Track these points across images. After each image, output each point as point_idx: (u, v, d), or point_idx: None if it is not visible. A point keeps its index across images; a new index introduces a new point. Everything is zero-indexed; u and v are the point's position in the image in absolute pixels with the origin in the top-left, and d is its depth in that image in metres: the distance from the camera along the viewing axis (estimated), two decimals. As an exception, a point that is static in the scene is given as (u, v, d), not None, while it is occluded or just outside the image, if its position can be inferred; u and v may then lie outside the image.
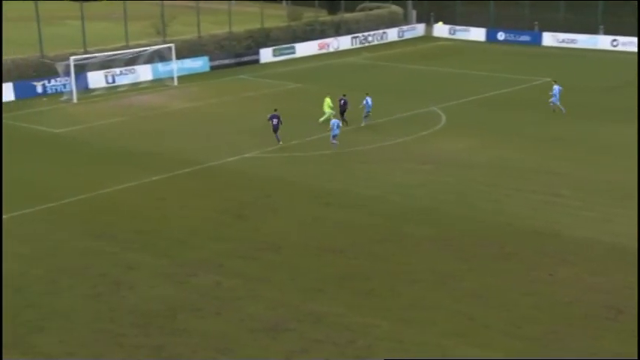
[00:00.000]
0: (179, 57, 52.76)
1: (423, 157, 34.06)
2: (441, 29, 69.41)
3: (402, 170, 32.24)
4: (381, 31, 67.53)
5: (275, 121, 35.27)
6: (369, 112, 39.21)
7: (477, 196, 28.79)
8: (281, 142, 35.34)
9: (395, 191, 29.58)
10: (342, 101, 39.31)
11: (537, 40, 65.23)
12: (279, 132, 35.37)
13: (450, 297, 20.99)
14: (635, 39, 60.83)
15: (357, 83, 47.81)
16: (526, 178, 30.98)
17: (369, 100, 39.39)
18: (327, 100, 39.51)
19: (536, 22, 66.49)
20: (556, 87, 41.38)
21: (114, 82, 49.33)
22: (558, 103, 41.17)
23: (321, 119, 38.95)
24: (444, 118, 41.16)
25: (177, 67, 51.52)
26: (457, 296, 21.04)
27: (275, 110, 35.78)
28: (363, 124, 39.02)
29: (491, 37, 67.30)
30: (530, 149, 35.07)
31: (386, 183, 30.60)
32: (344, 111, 38.98)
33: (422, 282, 21.92)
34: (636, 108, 41.57)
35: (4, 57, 46.89)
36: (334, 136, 34.78)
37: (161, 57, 51.69)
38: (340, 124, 35.43)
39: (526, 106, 42.88)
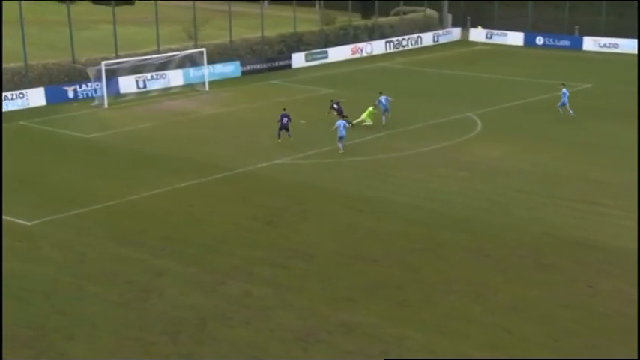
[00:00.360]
0: (210, 61, 53.01)
1: (458, 163, 33.82)
2: (477, 34, 68.97)
3: (437, 177, 32.01)
4: (415, 36, 67.29)
5: (285, 119, 36.47)
6: (385, 110, 39.97)
7: (514, 205, 28.45)
8: (292, 138, 36.59)
9: (430, 198, 29.39)
10: (336, 105, 39.15)
11: (577, 44, 64.45)
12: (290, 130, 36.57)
13: (486, 309, 20.72)
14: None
15: (391, 88, 47.52)
16: (564, 185, 30.55)
17: (382, 99, 40.07)
18: (370, 109, 39.64)
19: (576, 27, 65.71)
20: (565, 90, 41.50)
21: (145, 86, 49.73)
22: (567, 106, 41.14)
23: (355, 121, 39.10)
24: (479, 124, 40.83)
25: (208, 71, 51.78)
26: (493, 308, 20.76)
27: (284, 109, 37.22)
28: (384, 123, 39.71)
29: (529, 41, 66.68)
30: (568, 156, 34.61)
31: (421, 190, 30.42)
32: (341, 112, 38.68)
33: (457, 292, 21.68)
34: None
35: (36, 61, 47.53)
36: (340, 139, 34.95)
37: (192, 61, 52.01)
38: (347, 125, 35.58)
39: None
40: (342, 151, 35.03)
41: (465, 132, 39.21)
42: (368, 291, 21.78)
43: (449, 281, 22.36)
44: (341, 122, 35.31)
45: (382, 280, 22.50)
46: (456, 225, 26.76)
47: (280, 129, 36.67)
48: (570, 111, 41.20)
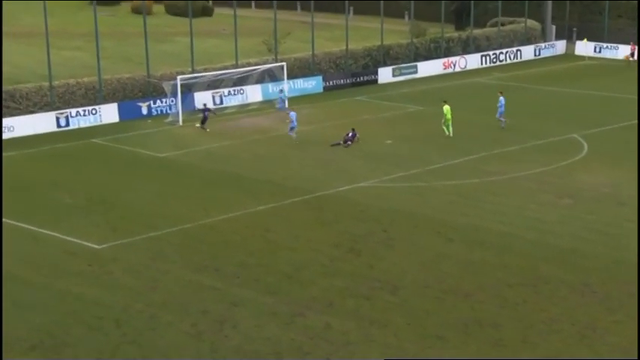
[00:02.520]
0: (291, 76, 53.58)
1: (561, 189, 33.20)
2: (584, 47, 67.69)
3: (537, 204, 31.50)
4: (514, 49, 66.53)
5: (350, 134, 40.11)
6: (502, 112, 42.05)
7: (625, 236, 27.72)
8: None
9: (529, 228, 28.93)
10: (351, 134, 40.82)
11: (699, 58, 62.52)
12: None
13: (593, 352, 20.24)
14: None
15: (487, 106, 47.08)
16: (684, 216, 29.59)
17: (502, 100, 42.71)
18: (447, 108, 41.54)
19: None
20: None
21: (222, 102, 50.61)
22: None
23: (447, 130, 41.48)
24: (585, 146, 40.02)
25: (288, 87, 52.33)
26: (601, 351, 20.25)
27: (353, 130, 40.53)
28: (503, 126, 42.56)
29: (643, 55, 64.92)
30: (688, 183, 33.53)
31: (518, 218, 29.97)
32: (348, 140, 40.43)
33: (559, 333, 21.22)
34: None
35: (110, 75, 49.00)
36: (292, 129, 40.16)
37: (272, 76, 52.66)
38: (296, 117, 40.89)
39: (684, 134, 41.11)
40: (295, 138, 39.80)
41: (569, 155, 38.46)
42: (459, 328, 21.50)
43: (550, 320, 21.90)
44: (294, 113, 40.52)
45: (475, 316, 22.20)
46: (559, 257, 26.22)
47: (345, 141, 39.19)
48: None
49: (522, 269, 25.37)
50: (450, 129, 41.68)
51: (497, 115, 43.42)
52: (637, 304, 22.71)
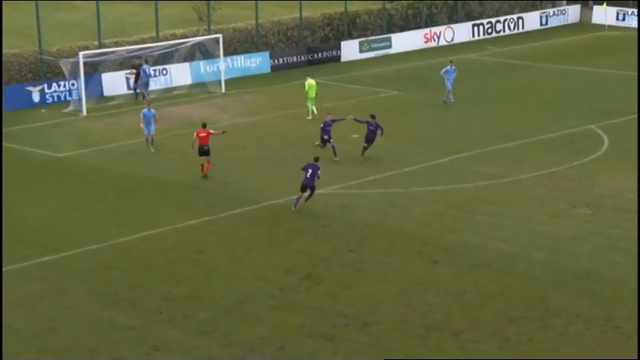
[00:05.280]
0: (229, 52, 53.51)
1: (576, 197, 33.57)
2: (603, 13, 68.61)
3: (546, 215, 31.79)
4: (515, 16, 67.23)
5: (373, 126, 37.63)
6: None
7: (657, 256, 28.10)
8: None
9: (536, 246, 29.15)
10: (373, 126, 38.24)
11: None
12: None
13: (617, 403, 20.43)
14: None
15: (481, 90, 47.49)
16: None
17: (449, 68, 45.78)
18: (310, 83, 44.52)
19: None
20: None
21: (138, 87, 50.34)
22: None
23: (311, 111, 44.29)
24: (606, 140, 40.50)
25: (226, 66, 52.26)
26: (627, 402, 20.46)
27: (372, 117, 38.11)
28: (451, 100, 45.62)
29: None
30: None
31: (523, 233, 30.21)
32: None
33: (575, 379, 21.47)
34: None
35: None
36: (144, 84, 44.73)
37: (204, 53, 52.54)
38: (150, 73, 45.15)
39: None
40: (148, 98, 42.46)
41: (586, 152, 38.91)
42: (448, 375, 21.67)
43: (563, 363, 22.14)
44: (146, 67, 46.34)
45: (468, 359, 22.34)
46: (574, 284, 26.47)
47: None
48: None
49: (527, 299, 25.50)
50: (314, 108, 44.16)
51: (449, 87, 46.14)
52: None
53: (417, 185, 34.98)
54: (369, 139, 37.63)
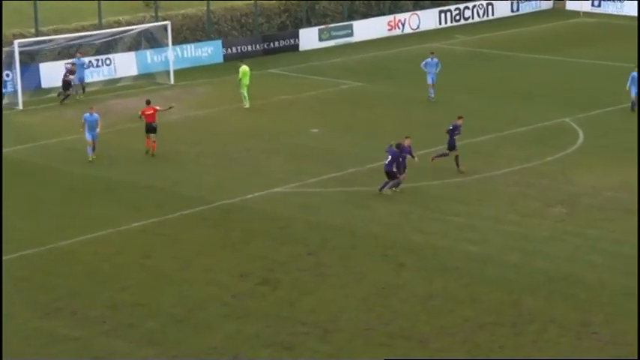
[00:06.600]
0: (178, 41, 53.24)
1: (551, 195, 33.70)
2: (578, 0, 69.07)
3: (518, 215, 31.90)
4: (484, 2, 67.45)
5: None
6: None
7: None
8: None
9: (508, 248, 29.22)
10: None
11: None
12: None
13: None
14: None
15: (450, 82, 47.60)
16: None
17: (430, 62, 45.68)
18: (244, 70, 45.14)
19: None
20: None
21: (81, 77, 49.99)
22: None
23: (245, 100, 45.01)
24: (581, 134, 40.72)
25: (174, 56, 52.02)
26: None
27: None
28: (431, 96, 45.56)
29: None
30: None
31: (495, 234, 30.28)
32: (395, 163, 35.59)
33: (550, 390, 21.54)
34: None
35: None
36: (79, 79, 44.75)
37: (151, 41, 52.26)
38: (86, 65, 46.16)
39: None
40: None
41: (560, 147, 39.08)
42: (415, 387, 21.67)
43: (538, 372, 22.22)
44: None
45: (437, 369, 22.41)
46: (549, 287, 26.54)
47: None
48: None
49: (499, 304, 25.54)
50: (247, 97, 44.71)
51: (429, 82, 45.81)
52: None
53: (381, 183, 34.93)
54: (451, 145, 36.04)
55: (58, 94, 46.66)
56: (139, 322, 24.70)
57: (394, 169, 33.18)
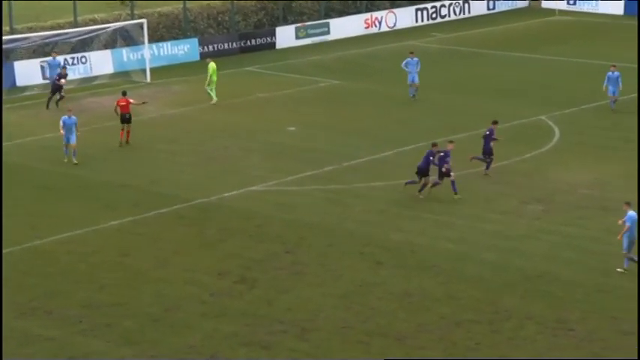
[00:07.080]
0: (154, 39, 53.11)
1: (527, 192, 33.83)
2: (554, -2, 69.36)
3: (495, 213, 32.01)
4: (460, 0, 67.55)
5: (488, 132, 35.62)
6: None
7: (613, 255, 28.33)
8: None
9: (486, 245, 29.34)
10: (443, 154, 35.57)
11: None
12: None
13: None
14: None
15: (427, 80, 47.64)
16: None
17: (411, 62, 45.71)
18: (212, 66, 45.41)
19: None
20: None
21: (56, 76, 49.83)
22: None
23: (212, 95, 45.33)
24: (557, 132, 40.87)
25: (151, 54, 51.88)
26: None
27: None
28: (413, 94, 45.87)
29: (631, 10, 66.83)
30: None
31: (472, 232, 30.38)
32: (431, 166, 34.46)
33: (527, 387, 21.64)
34: None
35: None
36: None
37: (127, 39, 52.11)
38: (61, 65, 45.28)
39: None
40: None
41: (536, 144, 39.22)
42: (393, 384, 21.72)
43: (515, 370, 22.30)
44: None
45: (414, 367, 22.45)
46: (526, 285, 26.66)
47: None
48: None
49: (476, 302, 25.62)
50: (214, 93, 45.07)
51: (410, 81, 45.76)
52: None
53: (359, 181, 34.96)
54: (487, 151, 35.67)
55: (50, 101, 46.02)
56: (116, 322, 24.65)
57: (444, 169, 32.85)
